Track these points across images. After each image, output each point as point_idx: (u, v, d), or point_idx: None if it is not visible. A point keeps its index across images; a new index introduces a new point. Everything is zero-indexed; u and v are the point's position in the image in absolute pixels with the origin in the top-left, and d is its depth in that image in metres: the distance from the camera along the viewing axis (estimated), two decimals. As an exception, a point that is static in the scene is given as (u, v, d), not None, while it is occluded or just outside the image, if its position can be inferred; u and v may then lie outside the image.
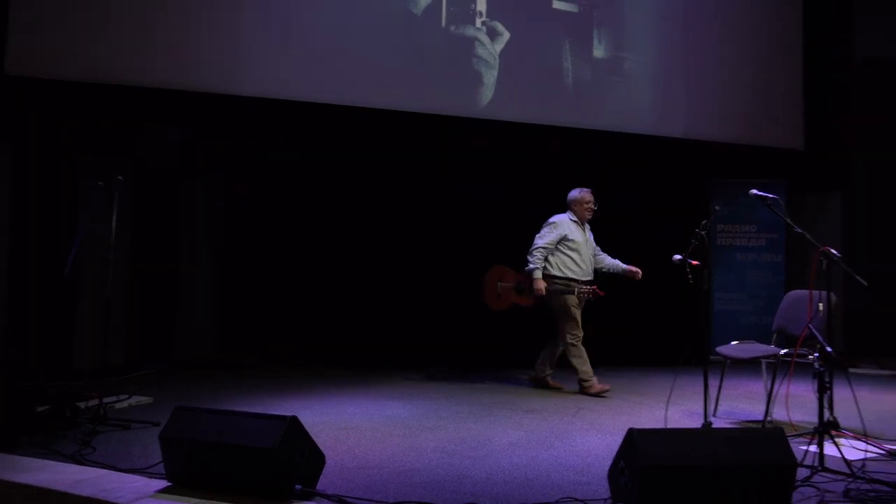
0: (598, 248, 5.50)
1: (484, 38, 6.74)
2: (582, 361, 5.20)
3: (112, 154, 6.02)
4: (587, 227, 5.44)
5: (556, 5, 7.05)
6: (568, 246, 5.27)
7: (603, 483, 2.82)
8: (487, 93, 6.76)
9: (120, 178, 4.22)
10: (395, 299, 7.01)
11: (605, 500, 2.70)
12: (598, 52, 7.19)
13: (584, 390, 5.19)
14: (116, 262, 4.38)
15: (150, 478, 3.09)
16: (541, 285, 5.20)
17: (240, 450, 2.82)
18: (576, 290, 5.18)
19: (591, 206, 5.38)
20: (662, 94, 7.45)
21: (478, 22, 6.72)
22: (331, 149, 7.09)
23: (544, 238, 5.27)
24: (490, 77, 6.76)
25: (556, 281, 5.24)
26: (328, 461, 3.08)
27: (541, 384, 5.48)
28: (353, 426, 4.18)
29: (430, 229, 7.10)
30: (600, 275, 5.46)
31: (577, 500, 2.77)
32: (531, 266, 5.24)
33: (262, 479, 2.80)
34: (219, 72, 5.69)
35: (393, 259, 7.06)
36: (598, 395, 5.12)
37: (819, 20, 8.20)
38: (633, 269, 5.32)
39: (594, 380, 5.18)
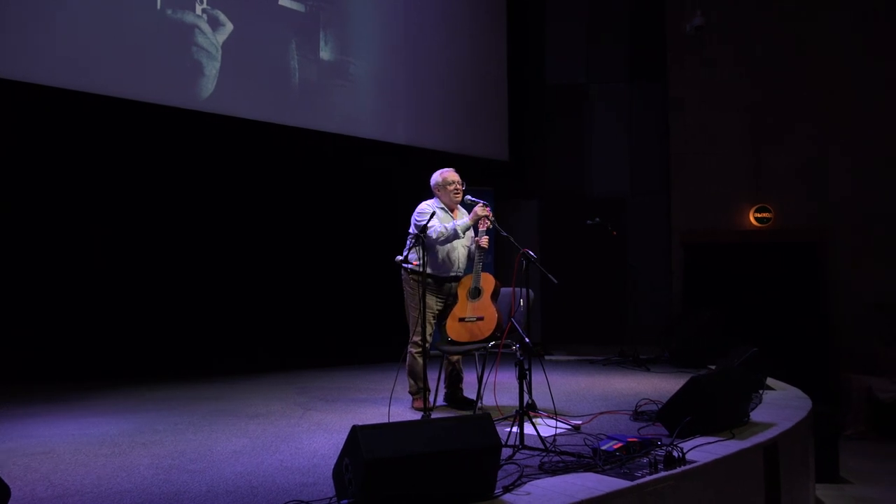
0: None
1: (205, 26, 6.40)
2: (412, 373, 4.55)
3: None
4: (464, 213, 4.71)
5: (283, 2, 6.96)
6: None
7: (329, 482, 2.84)
8: (209, 85, 6.44)
9: None
10: (98, 301, 6.27)
11: (331, 498, 2.73)
12: (325, 53, 7.25)
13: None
14: None
15: None
16: (473, 216, 4.44)
17: None
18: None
19: (458, 185, 4.64)
20: (386, 101, 7.75)
21: (198, 9, 6.36)
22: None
23: (411, 227, 4.56)
24: (212, 69, 6.45)
25: (411, 275, 4.52)
26: (15, 493, 2.67)
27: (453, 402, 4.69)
28: (47, 450, 3.69)
29: (143, 223, 6.50)
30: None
31: (302, 501, 2.76)
32: (407, 249, 4.39)
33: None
34: None
35: (99, 257, 6.32)
36: (419, 410, 4.46)
37: (519, 49, 9.32)
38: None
39: (418, 395, 4.53)
